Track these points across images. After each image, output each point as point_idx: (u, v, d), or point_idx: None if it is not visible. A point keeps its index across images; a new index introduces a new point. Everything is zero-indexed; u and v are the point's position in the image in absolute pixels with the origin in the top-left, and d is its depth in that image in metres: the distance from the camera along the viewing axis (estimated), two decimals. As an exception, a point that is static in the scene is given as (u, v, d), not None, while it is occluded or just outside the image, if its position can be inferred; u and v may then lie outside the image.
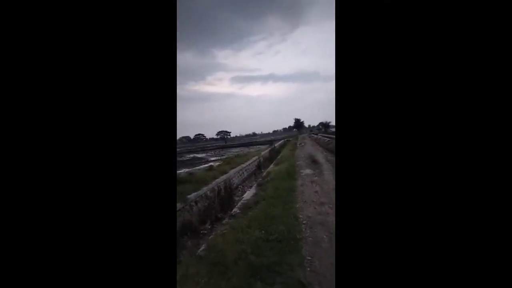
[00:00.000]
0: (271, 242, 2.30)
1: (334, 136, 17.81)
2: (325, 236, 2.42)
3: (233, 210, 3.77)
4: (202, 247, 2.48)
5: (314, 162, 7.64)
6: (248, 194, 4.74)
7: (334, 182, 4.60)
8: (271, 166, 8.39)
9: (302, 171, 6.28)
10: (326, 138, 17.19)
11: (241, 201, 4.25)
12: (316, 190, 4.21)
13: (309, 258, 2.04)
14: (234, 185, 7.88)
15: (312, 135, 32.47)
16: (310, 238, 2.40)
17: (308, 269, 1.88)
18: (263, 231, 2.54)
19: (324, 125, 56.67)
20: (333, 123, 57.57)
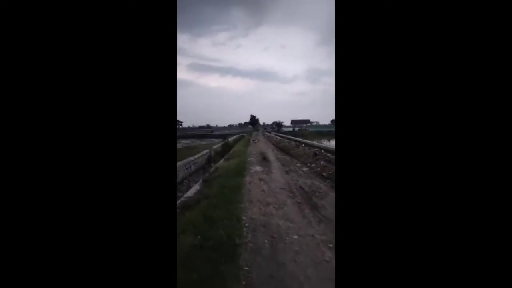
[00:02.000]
0: (206, 250, 2.01)
1: (285, 136, 18.75)
2: (266, 241, 2.27)
3: (170, 210, 3.31)
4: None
5: (264, 159, 7.68)
6: (191, 192, 4.31)
7: (281, 181, 4.61)
8: (222, 161, 8.04)
9: (252, 168, 6.18)
10: (278, 137, 17.96)
11: (181, 199, 3.80)
12: (264, 189, 4.11)
13: (247, 268, 1.83)
14: (179, 179, 7.24)
15: (266, 133, 33.47)
16: (251, 244, 2.21)
17: (244, 282, 1.67)
18: (198, 237, 2.22)
19: (278, 125, 59.34)
20: (286, 123, 60.97)
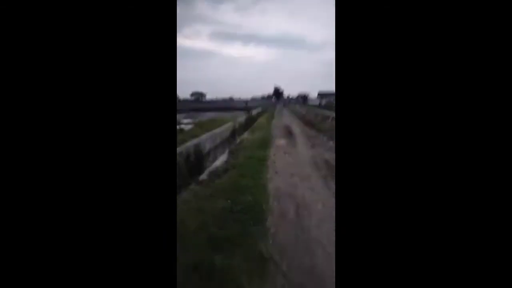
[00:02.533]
0: (236, 213, 2.23)
1: (311, 109, 18.15)
2: (291, 208, 2.42)
3: (201, 177, 3.61)
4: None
5: (289, 133, 7.66)
6: (219, 161, 4.59)
7: (306, 154, 4.65)
8: (246, 133, 8.22)
9: (276, 141, 6.25)
10: (303, 110, 17.42)
11: (209, 168, 4.09)
12: (288, 161, 4.21)
13: (273, 230, 2.01)
14: (206, 150, 7.66)
15: (290, 105, 32.55)
16: (277, 210, 2.38)
17: (271, 241, 1.85)
18: (228, 201, 2.44)
19: (303, 97, 56.89)
20: (312, 95, 58.18)
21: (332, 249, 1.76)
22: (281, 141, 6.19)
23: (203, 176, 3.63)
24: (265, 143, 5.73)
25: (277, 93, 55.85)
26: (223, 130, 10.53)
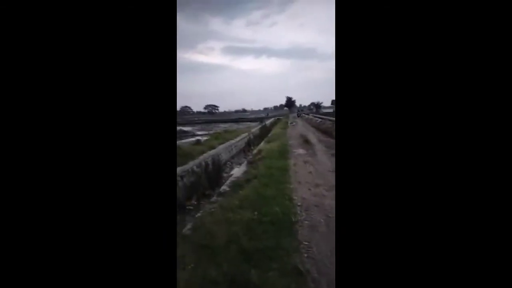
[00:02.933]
0: (265, 224, 2.16)
1: (325, 117, 17.84)
2: (322, 220, 2.31)
3: (222, 188, 3.59)
4: (188, 226, 2.30)
5: (306, 142, 7.54)
6: (238, 172, 4.56)
7: (328, 164, 4.51)
8: (262, 143, 8.20)
9: (294, 150, 6.16)
10: (317, 119, 17.14)
11: (230, 179, 4.07)
12: (310, 170, 4.10)
13: (306, 243, 1.92)
14: (223, 161, 7.70)
15: (303, 115, 32.28)
16: (306, 222, 2.28)
17: (305, 255, 1.76)
18: (255, 212, 2.38)
19: (316, 106, 56.61)
20: (324, 103, 57.77)
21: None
22: (299, 150, 6.09)
23: (225, 187, 3.61)
24: (283, 153, 5.65)
25: (289, 103, 55.99)
26: (239, 140, 10.59)
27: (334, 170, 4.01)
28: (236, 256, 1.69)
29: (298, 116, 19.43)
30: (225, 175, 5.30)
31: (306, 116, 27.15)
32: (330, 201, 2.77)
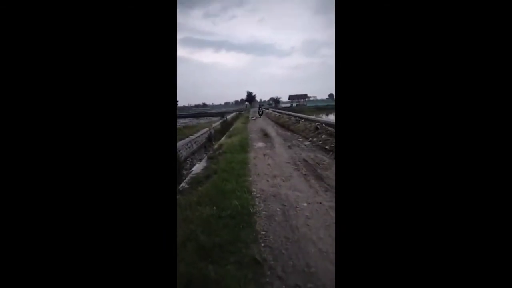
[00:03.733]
0: (224, 218, 2.15)
1: (283, 111, 18.55)
2: (278, 209, 2.41)
3: (181, 186, 3.43)
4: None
5: (266, 135, 7.74)
6: (198, 168, 4.42)
7: (285, 155, 4.72)
8: (223, 138, 8.09)
9: (254, 144, 6.25)
10: (276, 113, 17.77)
11: (190, 175, 3.91)
12: (269, 163, 4.23)
13: (264, 233, 1.98)
14: (182, 158, 7.34)
15: (264, 109, 32.93)
16: (264, 212, 2.35)
17: (263, 244, 1.82)
18: (214, 208, 2.35)
19: (275, 101, 58.33)
20: (283, 98, 59.94)
21: (322, 245, 1.79)
22: (259, 144, 6.22)
23: (183, 185, 3.45)
24: (243, 147, 5.69)
25: (250, 97, 56.37)
26: (199, 135, 10.22)
27: (289, 161, 4.25)
28: (193, 254, 1.64)
29: (260, 115, 17.22)
30: (184, 172, 5.08)
31: (266, 110, 27.81)
32: (285, 190, 2.92)
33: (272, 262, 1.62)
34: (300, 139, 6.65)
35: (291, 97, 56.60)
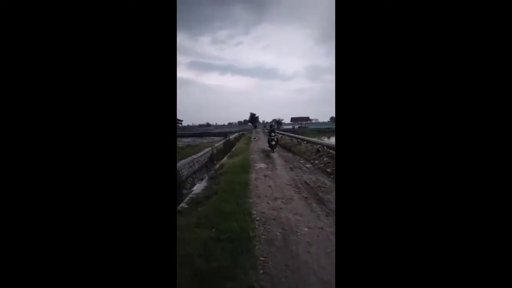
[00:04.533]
0: (223, 242, 2.08)
1: (285, 133, 18.68)
2: (278, 233, 2.34)
3: (180, 206, 3.37)
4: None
5: (268, 156, 7.74)
6: (199, 187, 4.37)
7: (286, 177, 4.68)
8: (225, 158, 8.11)
9: (256, 165, 6.24)
10: (279, 134, 17.89)
11: (190, 195, 3.86)
12: (270, 184, 4.18)
13: (263, 258, 1.90)
14: (183, 177, 7.30)
15: (265, 130, 33.28)
16: (264, 236, 2.28)
17: (261, 271, 1.74)
18: (213, 230, 2.29)
19: (277, 122, 59.38)
20: (285, 120, 60.95)
21: (323, 274, 1.70)
22: (261, 165, 6.20)
23: (183, 205, 3.40)
24: (245, 167, 5.67)
25: (253, 118, 57.42)
26: (202, 155, 10.24)
27: (291, 183, 4.20)
28: (188, 281, 1.57)
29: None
30: (185, 191, 5.01)
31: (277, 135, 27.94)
32: (286, 213, 2.85)
33: (270, 291, 1.53)
34: (302, 161, 6.64)
35: (294, 119, 57.68)
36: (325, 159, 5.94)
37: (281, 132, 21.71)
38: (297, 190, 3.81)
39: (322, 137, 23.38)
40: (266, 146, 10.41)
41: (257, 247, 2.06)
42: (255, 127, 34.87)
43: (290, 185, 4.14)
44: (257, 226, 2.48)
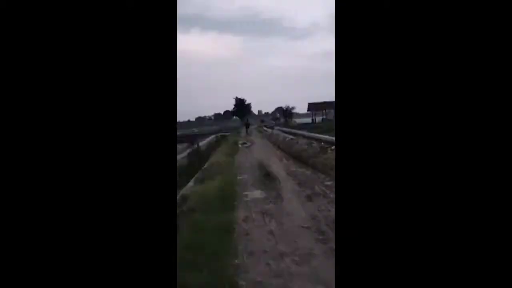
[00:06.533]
0: None
1: (300, 132, 18.61)
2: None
3: None
4: None
5: (267, 176, 7.69)
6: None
7: (301, 214, 4.67)
8: (191, 184, 8.02)
9: (246, 193, 6.21)
10: (287, 135, 17.65)
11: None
12: (271, 229, 4.15)
13: None
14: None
15: (265, 129, 33.26)
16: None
17: None
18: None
19: (285, 113, 58.95)
20: (298, 110, 60.71)
21: None
22: (254, 193, 6.16)
23: None
24: (226, 199, 5.62)
25: (241, 108, 57.44)
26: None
27: (309, 225, 4.17)
28: None
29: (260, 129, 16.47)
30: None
31: (270, 130, 28.23)
32: (301, 282, 2.79)
33: None
34: (328, 183, 6.59)
35: (313, 107, 54.68)
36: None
37: (291, 131, 21.57)
38: (322, 238, 3.77)
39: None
40: (264, 157, 10.38)
41: None
42: (247, 123, 34.72)
43: (308, 228, 4.11)
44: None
